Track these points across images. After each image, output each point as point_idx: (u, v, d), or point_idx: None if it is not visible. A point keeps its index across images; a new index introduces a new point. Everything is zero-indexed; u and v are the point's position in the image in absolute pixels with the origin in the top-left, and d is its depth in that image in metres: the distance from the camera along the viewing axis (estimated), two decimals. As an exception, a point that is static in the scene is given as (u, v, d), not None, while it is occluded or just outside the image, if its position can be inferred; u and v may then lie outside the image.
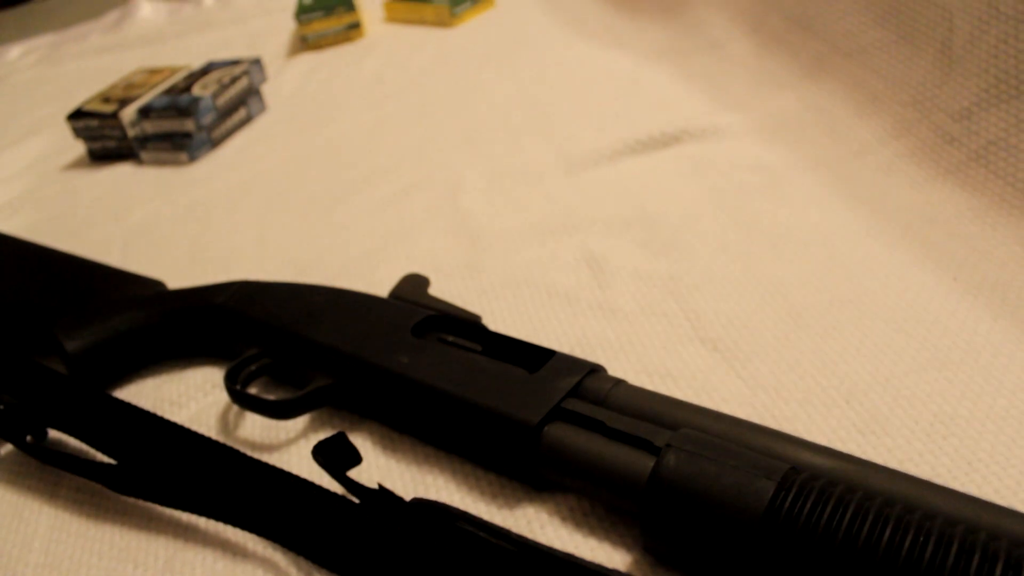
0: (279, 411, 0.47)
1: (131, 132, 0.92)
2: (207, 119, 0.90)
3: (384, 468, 0.44)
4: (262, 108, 1.00)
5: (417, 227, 0.68)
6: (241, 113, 0.96)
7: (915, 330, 0.46)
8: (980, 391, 0.41)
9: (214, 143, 0.92)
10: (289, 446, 0.47)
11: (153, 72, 1.02)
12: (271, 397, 0.49)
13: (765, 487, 0.32)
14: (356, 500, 0.38)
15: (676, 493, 0.33)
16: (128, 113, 0.91)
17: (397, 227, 0.68)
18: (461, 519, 0.35)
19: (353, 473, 0.41)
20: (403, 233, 0.67)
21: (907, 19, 0.65)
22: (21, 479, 0.49)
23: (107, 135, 0.93)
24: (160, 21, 1.45)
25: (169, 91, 0.94)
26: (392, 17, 1.22)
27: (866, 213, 0.57)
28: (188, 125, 0.89)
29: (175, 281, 0.61)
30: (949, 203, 0.55)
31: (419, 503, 0.36)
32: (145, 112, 0.90)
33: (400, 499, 0.37)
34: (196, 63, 1.02)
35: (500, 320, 0.54)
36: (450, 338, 0.47)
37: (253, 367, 0.50)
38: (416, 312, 0.48)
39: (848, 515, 0.30)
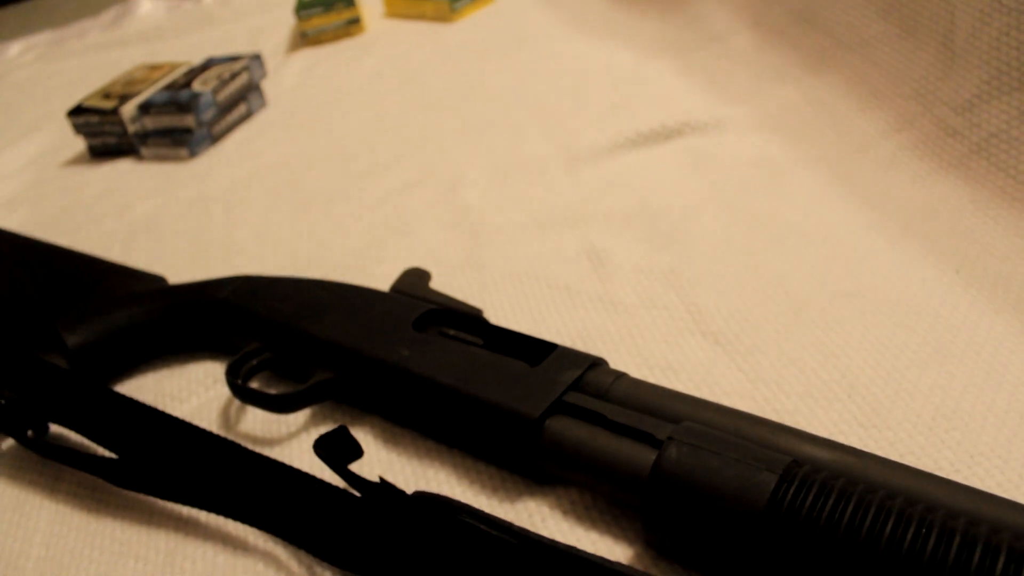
0: (280, 405, 0.47)
1: (131, 128, 0.91)
2: (207, 115, 0.90)
3: (385, 462, 0.44)
4: (262, 104, 0.99)
5: (418, 221, 0.67)
6: (241, 109, 0.96)
7: (917, 324, 0.46)
8: (982, 385, 0.41)
9: (214, 139, 0.92)
10: (290, 440, 0.47)
11: (153, 68, 1.02)
12: (272, 391, 0.49)
13: (767, 480, 0.32)
14: (357, 494, 0.38)
15: (678, 486, 0.33)
16: (128, 109, 0.91)
17: (398, 222, 0.68)
18: (462, 512, 0.35)
19: (354, 467, 0.41)
20: (404, 227, 0.67)
21: (909, 12, 0.65)
22: (22, 473, 0.49)
23: (107, 131, 0.93)
24: (160, 17, 1.44)
25: (169, 87, 0.94)
26: (392, 12, 1.22)
27: (868, 206, 0.57)
28: (188, 121, 0.89)
29: (176, 276, 0.61)
30: (951, 196, 0.55)
31: (420, 496, 0.36)
32: (145, 108, 0.90)
33: (401, 492, 0.37)
34: (196, 59, 1.02)
35: (501, 314, 0.54)
36: (451, 332, 0.47)
37: (254, 361, 0.50)
38: (417, 306, 0.48)
39: (850, 508, 0.30)
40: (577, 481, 0.39)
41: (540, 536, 0.34)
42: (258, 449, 0.42)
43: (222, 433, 0.48)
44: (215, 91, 0.91)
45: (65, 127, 0.99)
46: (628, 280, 0.55)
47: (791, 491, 0.31)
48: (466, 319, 0.48)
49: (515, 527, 0.34)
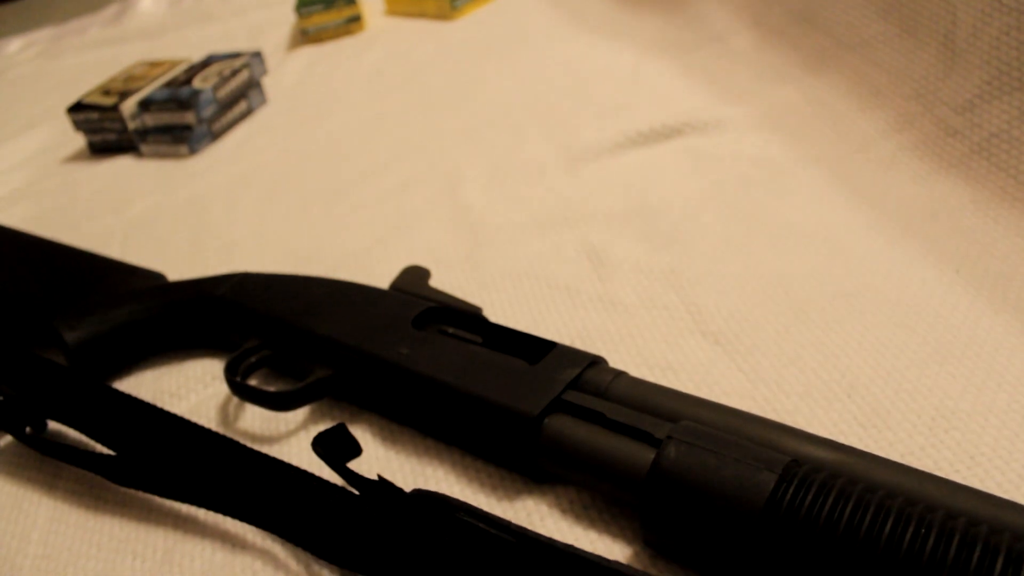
0: (279, 403, 0.46)
1: (131, 125, 0.91)
2: (207, 112, 0.90)
3: (384, 460, 0.44)
4: (263, 101, 0.99)
5: (418, 219, 0.67)
6: (242, 106, 0.96)
7: (917, 324, 0.46)
8: (982, 385, 0.41)
9: (214, 136, 0.92)
10: (289, 438, 0.47)
11: (153, 65, 1.01)
12: (271, 389, 0.49)
13: (766, 479, 0.32)
14: (356, 492, 0.38)
15: (677, 485, 0.33)
16: (128, 106, 0.91)
17: (398, 219, 0.68)
18: (461, 511, 0.35)
19: (353, 465, 0.41)
20: (404, 225, 0.67)
21: (909, 12, 0.65)
22: (20, 470, 0.49)
23: (107, 128, 0.93)
24: (160, 14, 1.44)
25: (169, 84, 0.94)
26: (393, 10, 1.22)
27: (868, 206, 0.56)
28: (188, 118, 0.89)
29: (175, 273, 0.61)
30: (951, 196, 0.55)
31: (419, 494, 0.36)
32: (145, 105, 0.90)
33: (400, 490, 0.37)
34: (196, 56, 1.02)
35: (501, 312, 0.54)
36: (451, 330, 0.47)
37: (253, 359, 0.50)
38: (417, 304, 0.48)
39: (849, 507, 0.30)
40: (575, 480, 0.39)
41: (538, 535, 0.34)
42: (256, 447, 0.42)
43: (220, 430, 0.48)
44: (215, 88, 0.91)
45: (65, 123, 0.99)
46: (628, 280, 0.54)
47: (790, 491, 0.31)
48: (465, 317, 0.48)
49: (513, 525, 0.34)
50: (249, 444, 0.42)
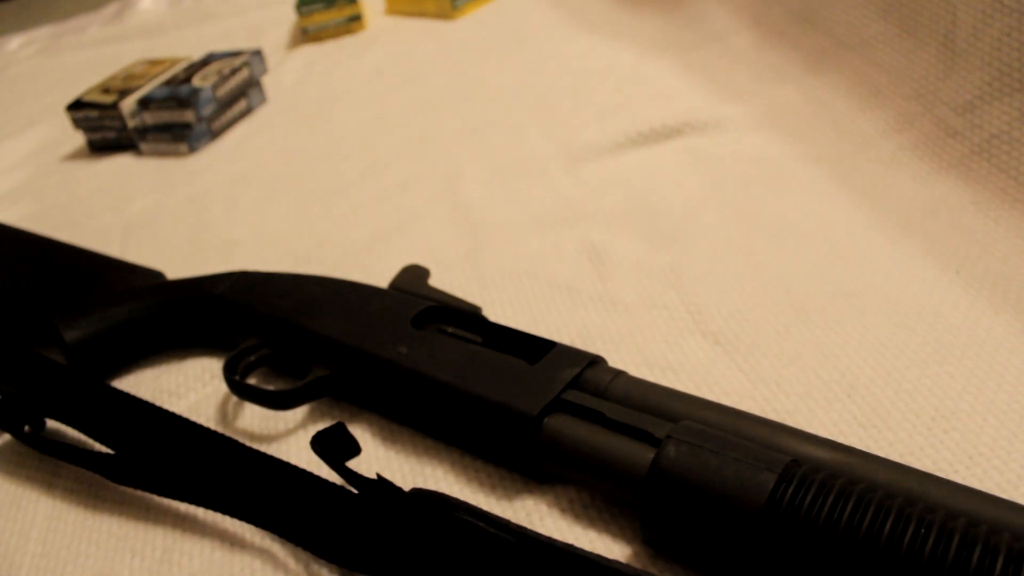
0: (278, 401, 0.46)
1: (131, 123, 0.91)
2: (207, 110, 0.90)
3: (383, 459, 0.44)
4: (262, 99, 0.99)
5: (418, 218, 0.67)
6: (241, 104, 0.96)
7: (917, 324, 0.46)
8: (982, 385, 0.41)
9: (214, 134, 0.92)
10: (288, 436, 0.47)
11: (153, 63, 1.01)
12: (270, 387, 0.49)
13: (766, 479, 0.32)
14: (355, 491, 0.38)
15: (676, 485, 0.33)
16: (128, 104, 0.91)
17: (397, 218, 0.68)
18: (460, 510, 0.35)
19: (352, 464, 0.41)
20: (403, 224, 0.67)
21: (910, 12, 0.65)
22: (19, 469, 0.49)
23: (107, 126, 0.93)
24: (160, 13, 1.44)
25: (169, 82, 0.94)
26: (393, 9, 1.22)
27: (868, 206, 0.56)
28: (188, 116, 0.89)
29: (174, 272, 0.61)
30: (951, 197, 0.55)
31: (418, 493, 0.36)
32: (145, 103, 0.90)
33: (399, 489, 0.37)
34: (196, 54, 1.02)
35: (500, 311, 0.54)
36: (450, 329, 0.47)
37: (252, 357, 0.50)
38: (416, 303, 0.48)
39: (849, 507, 0.30)
40: (575, 479, 0.39)
41: (538, 534, 0.33)
42: (255, 445, 0.42)
43: (219, 429, 0.48)
44: (215, 87, 0.91)
45: (64, 121, 0.99)
46: (628, 279, 0.54)
47: (790, 490, 0.31)
48: (465, 316, 0.48)
49: (513, 525, 0.34)
50: (248, 443, 0.42)
